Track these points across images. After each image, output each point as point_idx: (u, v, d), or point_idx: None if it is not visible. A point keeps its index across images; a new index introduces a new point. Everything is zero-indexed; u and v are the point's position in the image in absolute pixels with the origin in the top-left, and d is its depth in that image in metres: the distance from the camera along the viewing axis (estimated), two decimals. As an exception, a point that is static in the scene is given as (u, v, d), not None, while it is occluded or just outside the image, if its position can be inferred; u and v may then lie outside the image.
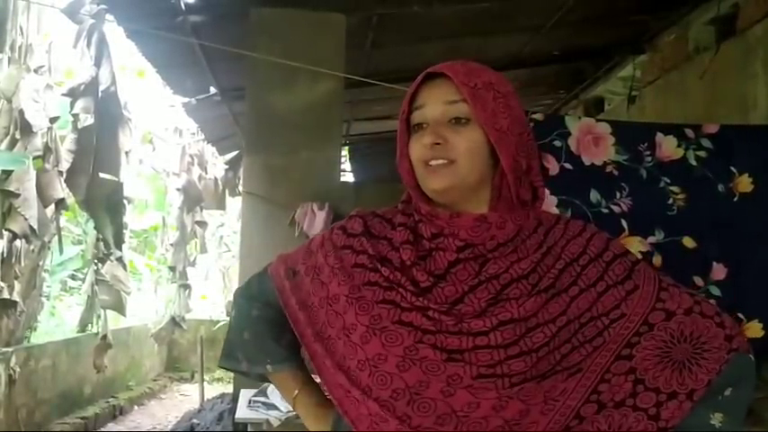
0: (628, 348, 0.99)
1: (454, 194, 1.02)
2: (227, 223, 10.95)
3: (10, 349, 5.22)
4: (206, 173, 8.02)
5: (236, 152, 7.23)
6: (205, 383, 7.25)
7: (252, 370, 1.19)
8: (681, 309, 1.03)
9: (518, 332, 0.96)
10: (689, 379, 0.99)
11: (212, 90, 5.29)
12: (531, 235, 1.04)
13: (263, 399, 2.99)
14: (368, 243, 1.06)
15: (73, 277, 8.20)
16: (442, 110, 1.02)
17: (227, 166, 7.86)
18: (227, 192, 7.96)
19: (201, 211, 8.09)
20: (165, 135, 8.46)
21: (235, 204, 8.80)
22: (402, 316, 0.99)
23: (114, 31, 4.02)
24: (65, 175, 4.13)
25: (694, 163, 2.41)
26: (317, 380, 1.11)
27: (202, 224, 8.19)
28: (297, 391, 1.16)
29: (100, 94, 3.58)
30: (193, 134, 7.90)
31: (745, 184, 2.42)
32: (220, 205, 8.32)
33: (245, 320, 1.18)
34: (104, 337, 5.90)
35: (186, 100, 5.57)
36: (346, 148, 8.04)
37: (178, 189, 7.72)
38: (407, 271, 1.01)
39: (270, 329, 1.16)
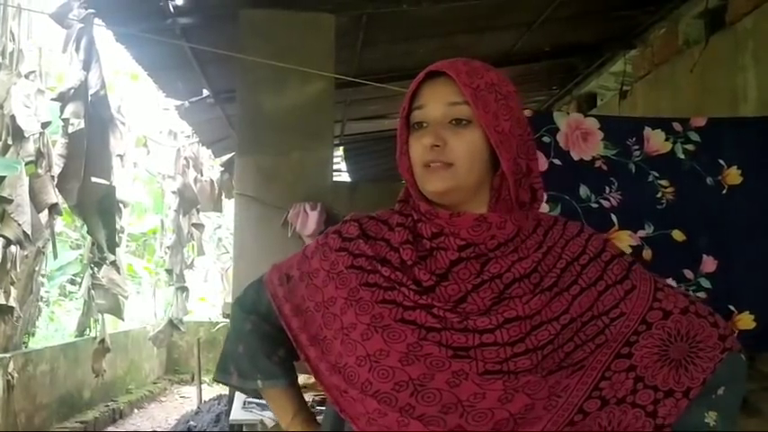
0: (627, 347, 1.00)
1: (453, 197, 1.02)
2: (224, 225, 10.95)
3: (8, 355, 5.22)
4: (201, 175, 8.01)
5: (232, 154, 7.23)
6: (205, 385, 7.25)
7: (244, 384, 1.19)
8: (677, 308, 1.04)
9: (523, 330, 0.97)
10: (685, 377, 1.00)
11: (205, 92, 5.28)
12: (530, 235, 1.04)
13: (257, 400, 2.99)
14: (365, 245, 1.06)
15: (72, 282, 8.20)
16: (443, 111, 1.01)
17: (222, 168, 7.86)
18: (223, 194, 7.95)
19: (198, 213, 8.09)
20: (160, 138, 8.45)
21: (232, 206, 8.79)
22: (405, 314, 0.98)
23: (107, 35, 4.03)
24: (56, 180, 4.13)
25: (682, 156, 2.41)
26: (311, 380, 1.12)
27: (199, 226, 8.19)
28: (292, 417, 1.17)
29: (89, 98, 3.58)
30: (188, 137, 7.90)
31: (733, 176, 2.42)
32: (216, 207, 8.33)
33: (239, 334, 1.18)
34: (102, 341, 5.90)
35: (179, 103, 5.56)
36: (341, 148, 8.03)
37: (174, 192, 7.72)
38: (409, 270, 1.01)
39: (262, 344, 1.15)
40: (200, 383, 7.05)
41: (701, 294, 2.37)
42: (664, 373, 0.99)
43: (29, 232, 4.31)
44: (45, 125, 4.79)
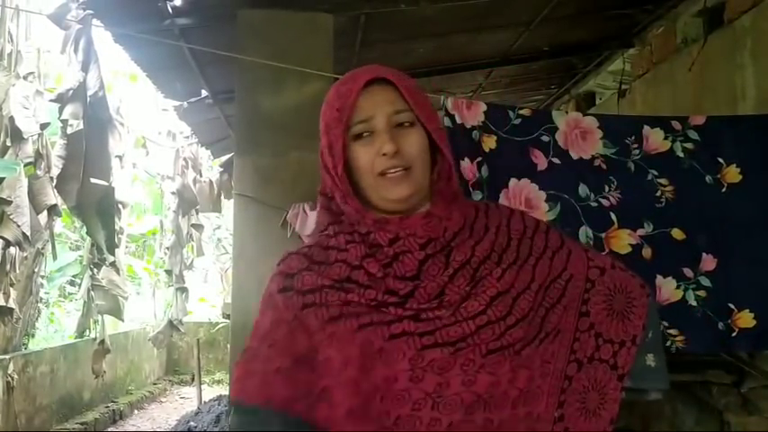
0: (584, 305, 1.06)
1: (412, 200, 1.03)
2: (224, 225, 10.94)
3: (8, 356, 5.22)
4: (200, 176, 8.01)
5: (231, 154, 7.22)
6: (206, 385, 7.25)
7: None
8: (607, 264, 1.12)
9: (507, 303, 1.01)
10: (630, 326, 1.07)
11: (203, 93, 5.27)
12: (475, 220, 1.09)
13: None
14: (313, 276, 1.01)
15: (72, 283, 8.20)
16: (387, 119, 1.02)
17: (221, 169, 7.85)
18: (222, 194, 7.95)
19: (197, 214, 8.08)
20: (159, 139, 8.45)
21: (231, 207, 8.78)
22: (392, 329, 0.97)
23: (105, 36, 4.01)
24: (55, 182, 4.12)
25: (681, 155, 2.41)
26: None
27: (198, 227, 8.18)
28: None
29: (88, 99, 3.56)
30: (187, 137, 7.89)
31: (733, 174, 2.42)
32: (216, 208, 8.31)
33: None
34: (102, 342, 5.90)
35: (178, 103, 5.55)
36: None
37: (173, 193, 7.71)
38: (380, 284, 1.00)
39: None
40: (201, 384, 7.05)
41: (701, 293, 2.37)
42: (614, 325, 1.06)
43: (28, 234, 4.31)
44: (44, 126, 4.78)
